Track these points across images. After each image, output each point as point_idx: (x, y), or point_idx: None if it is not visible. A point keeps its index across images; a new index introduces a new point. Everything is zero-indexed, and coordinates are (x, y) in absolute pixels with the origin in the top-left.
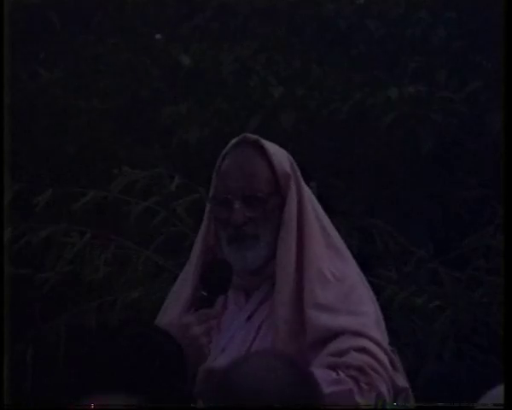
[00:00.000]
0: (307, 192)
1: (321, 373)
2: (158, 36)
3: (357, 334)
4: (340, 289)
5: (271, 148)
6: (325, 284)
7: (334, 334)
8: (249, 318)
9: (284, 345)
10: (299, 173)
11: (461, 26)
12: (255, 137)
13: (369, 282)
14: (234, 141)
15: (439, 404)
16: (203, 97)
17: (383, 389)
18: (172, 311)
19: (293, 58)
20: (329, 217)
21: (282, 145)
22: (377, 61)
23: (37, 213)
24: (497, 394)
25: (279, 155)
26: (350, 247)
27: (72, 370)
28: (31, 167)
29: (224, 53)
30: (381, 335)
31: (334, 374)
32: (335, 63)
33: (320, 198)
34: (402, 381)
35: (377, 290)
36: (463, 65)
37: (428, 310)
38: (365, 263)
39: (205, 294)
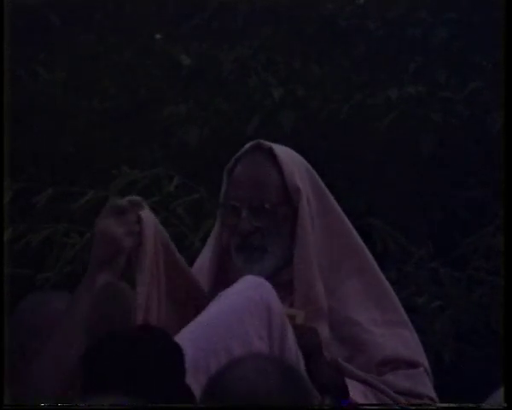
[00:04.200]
0: (321, 206)
1: None
2: (158, 36)
3: (412, 364)
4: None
5: (285, 157)
6: (361, 301)
7: (386, 360)
8: None
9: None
10: (317, 183)
11: (461, 26)
12: (269, 144)
13: None
14: (247, 146)
15: (440, 404)
16: (203, 97)
17: None
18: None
19: (293, 58)
20: None
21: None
22: (377, 61)
23: (37, 213)
24: (499, 395)
25: (291, 165)
26: None
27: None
28: (31, 167)
29: (223, 53)
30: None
31: None
32: (335, 63)
33: None
34: None
35: None
36: (463, 65)
37: (428, 310)
38: None
39: None
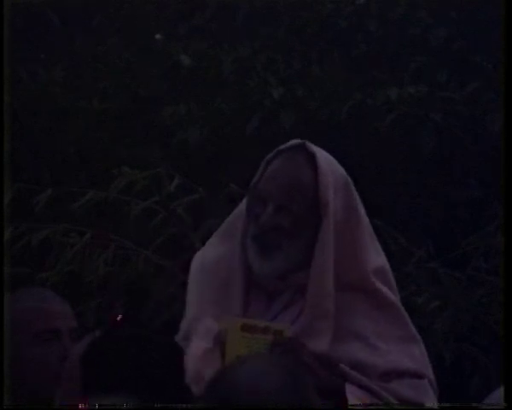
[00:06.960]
0: (349, 220)
1: None
2: (158, 36)
3: (416, 375)
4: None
5: (325, 168)
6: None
7: (389, 369)
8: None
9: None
10: (350, 197)
11: (461, 26)
12: (314, 149)
13: None
14: (293, 143)
15: (440, 404)
16: (203, 97)
17: None
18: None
19: (293, 58)
20: None
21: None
22: (377, 61)
23: (36, 213)
24: (499, 395)
25: (329, 177)
26: None
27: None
28: (31, 167)
29: (223, 53)
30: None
31: None
32: (335, 63)
33: None
34: None
35: None
36: (463, 65)
37: (428, 310)
38: None
39: None
